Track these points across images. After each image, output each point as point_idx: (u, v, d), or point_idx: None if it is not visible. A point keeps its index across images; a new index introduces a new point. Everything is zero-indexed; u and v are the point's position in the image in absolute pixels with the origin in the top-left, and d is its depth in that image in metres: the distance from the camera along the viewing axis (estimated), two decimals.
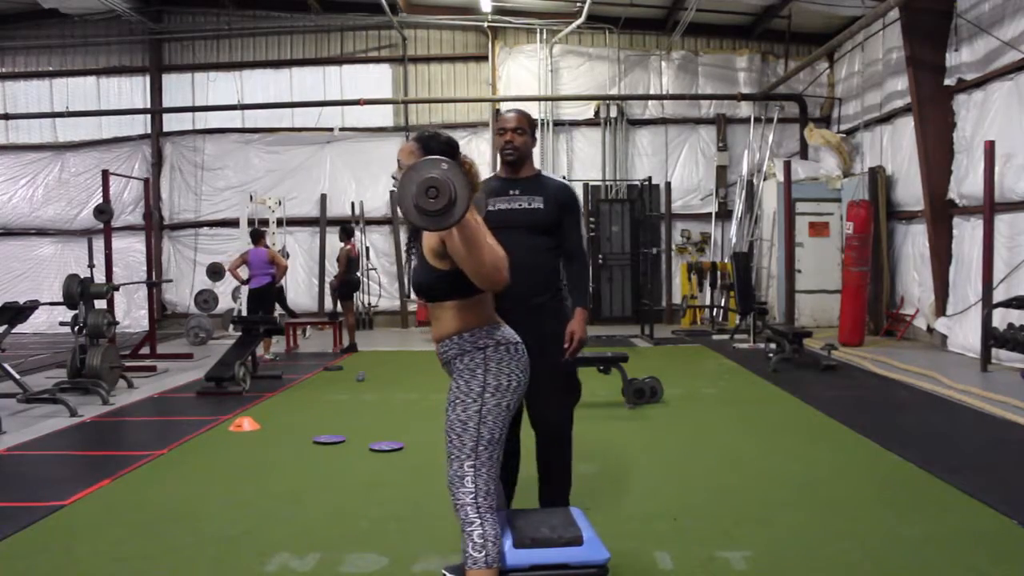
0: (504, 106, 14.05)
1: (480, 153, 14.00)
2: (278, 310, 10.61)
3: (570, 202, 3.52)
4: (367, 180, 14.16)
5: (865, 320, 10.51)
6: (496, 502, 2.56)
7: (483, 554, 2.44)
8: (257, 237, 10.09)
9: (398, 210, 13.83)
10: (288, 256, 12.23)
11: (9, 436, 5.90)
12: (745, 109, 13.78)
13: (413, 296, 12.88)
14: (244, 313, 10.68)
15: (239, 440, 5.78)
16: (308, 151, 14.31)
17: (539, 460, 3.45)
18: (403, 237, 14.18)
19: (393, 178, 2.65)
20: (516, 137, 3.44)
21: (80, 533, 3.84)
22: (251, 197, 12.55)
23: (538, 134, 13.63)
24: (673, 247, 13.92)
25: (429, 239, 2.50)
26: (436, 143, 2.60)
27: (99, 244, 9.33)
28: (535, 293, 3.38)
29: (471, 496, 2.48)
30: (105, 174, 10.02)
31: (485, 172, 12.14)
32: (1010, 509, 3.89)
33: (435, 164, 2.19)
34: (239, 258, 10.12)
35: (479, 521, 2.47)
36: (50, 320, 11.59)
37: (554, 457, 3.43)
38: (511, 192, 3.45)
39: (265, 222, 12.59)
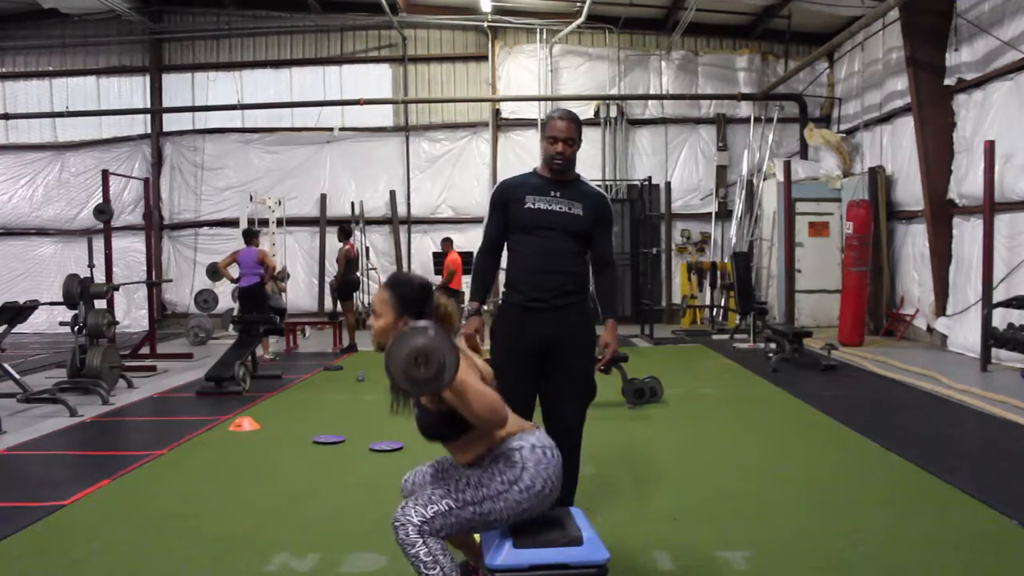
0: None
1: (480, 154, 14.02)
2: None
3: (606, 212, 3.54)
4: (367, 180, 14.17)
5: (865, 320, 10.51)
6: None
7: (437, 569, 2.37)
8: (249, 237, 10.07)
9: (394, 208, 13.88)
10: (288, 277, 12.08)
11: (9, 436, 5.90)
12: (745, 109, 13.79)
13: None
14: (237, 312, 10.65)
15: (239, 440, 5.78)
16: (308, 151, 14.32)
17: None
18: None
19: (367, 324, 2.64)
20: (567, 148, 3.40)
21: (80, 533, 3.84)
22: (251, 197, 12.55)
23: (538, 134, 13.86)
24: (673, 247, 13.93)
25: None
26: (410, 289, 2.57)
27: (99, 244, 9.32)
28: (562, 294, 3.41)
29: (419, 519, 2.40)
30: (105, 174, 10.02)
31: (484, 171, 12.06)
32: (1010, 509, 3.89)
33: (423, 332, 2.24)
34: (229, 256, 10.10)
35: (421, 541, 2.38)
36: (50, 320, 11.62)
37: (567, 455, 3.42)
38: (552, 193, 3.44)
39: (265, 222, 12.59)
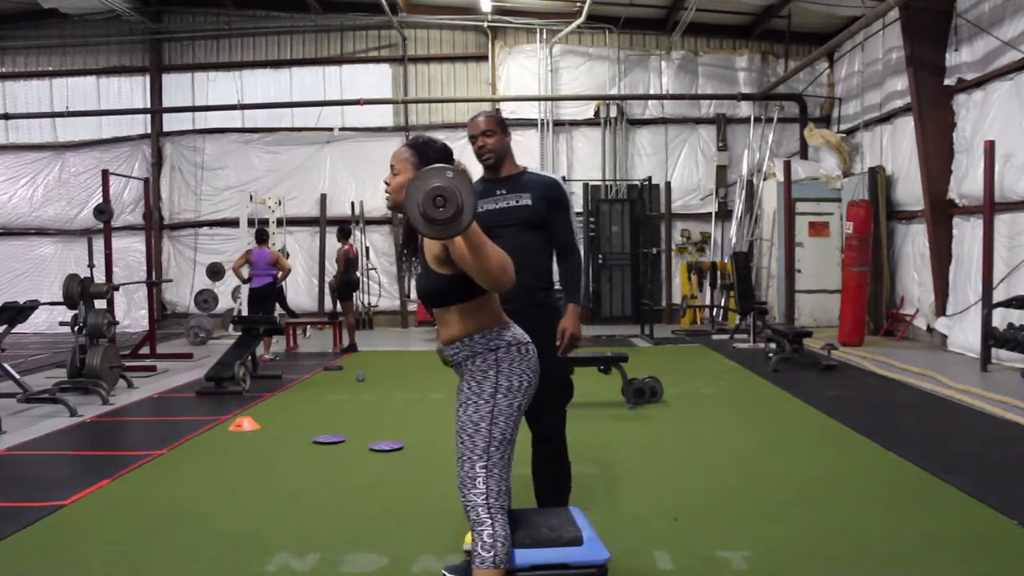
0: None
1: None
2: (278, 309, 10.61)
3: (558, 196, 3.47)
4: (367, 180, 14.15)
5: (865, 320, 10.51)
6: (508, 502, 2.56)
7: (491, 554, 2.44)
8: (262, 237, 10.11)
9: (395, 213, 13.81)
10: (288, 255, 12.20)
11: (9, 436, 5.90)
12: (745, 109, 13.78)
13: (413, 296, 12.95)
14: (244, 312, 10.67)
15: (239, 440, 5.78)
16: (308, 151, 14.31)
17: (536, 461, 3.45)
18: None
19: (385, 183, 2.62)
20: (487, 140, 3.40)
21: (80, 533, 3.84)
22: (251, 197, 12.55)
23: (538, 134, 13.86)
24: (673, 247, 13.93)
25: (432, 246, 2.48)
26: (431, 149, 2.59)
27: (99, 244, 9.32)
28: (531, 291, 3.34)
29: (482, 497, 2.48)
30: (105, 174, 10.02)
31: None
32: (1010, 509, 3.89)
33: (441, 172, 2.19)
34: (242, 257, 10.11)
35: (490, 521, 2.47)
36: (50, 320, 11.61)
37: (552, 457, 3.42)
38: (497, 192, 3.43)
39: (265, 222, 12.60)
